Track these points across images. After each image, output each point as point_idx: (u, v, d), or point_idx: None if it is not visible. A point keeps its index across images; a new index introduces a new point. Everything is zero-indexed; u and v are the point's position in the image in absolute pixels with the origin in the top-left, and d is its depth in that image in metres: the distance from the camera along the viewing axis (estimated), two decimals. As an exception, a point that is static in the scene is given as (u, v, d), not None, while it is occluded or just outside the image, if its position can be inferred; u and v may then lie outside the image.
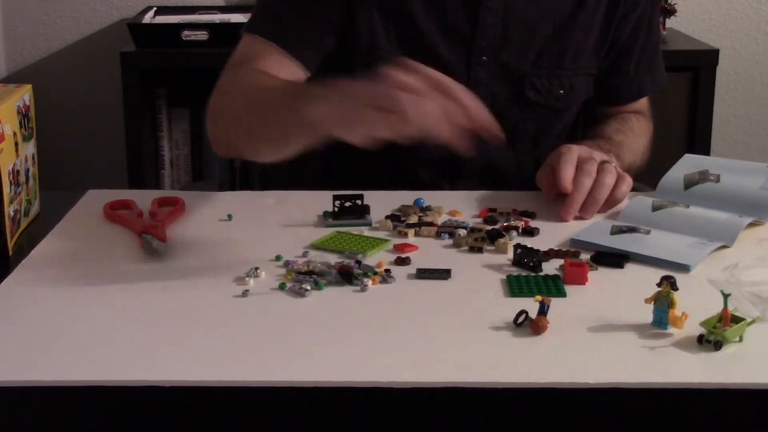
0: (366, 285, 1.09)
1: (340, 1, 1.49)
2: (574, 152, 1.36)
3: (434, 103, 1.05)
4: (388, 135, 1.06)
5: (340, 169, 1.57)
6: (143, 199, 1.35)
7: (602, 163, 1.35)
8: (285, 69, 1.46)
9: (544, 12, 1.52)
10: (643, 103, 1.67)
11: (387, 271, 1.12)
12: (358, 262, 1.14)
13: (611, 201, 1.33)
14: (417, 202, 1.36)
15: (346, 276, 1.10)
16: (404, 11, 1.50)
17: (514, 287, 1.09)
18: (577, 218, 1.31)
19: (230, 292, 1.08)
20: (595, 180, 1.33)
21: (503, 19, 1.50)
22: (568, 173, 1.33)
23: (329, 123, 1.12)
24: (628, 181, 1.35)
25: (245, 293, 1.07)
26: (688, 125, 2.61)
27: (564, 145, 1.39)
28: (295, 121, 1.18)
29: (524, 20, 1.51)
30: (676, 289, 0.99)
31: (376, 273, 1.11)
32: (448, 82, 1.08)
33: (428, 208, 1.34)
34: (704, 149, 2.60)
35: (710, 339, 0.95)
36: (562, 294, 1.08)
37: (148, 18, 2.62)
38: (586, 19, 1.54)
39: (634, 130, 1.60)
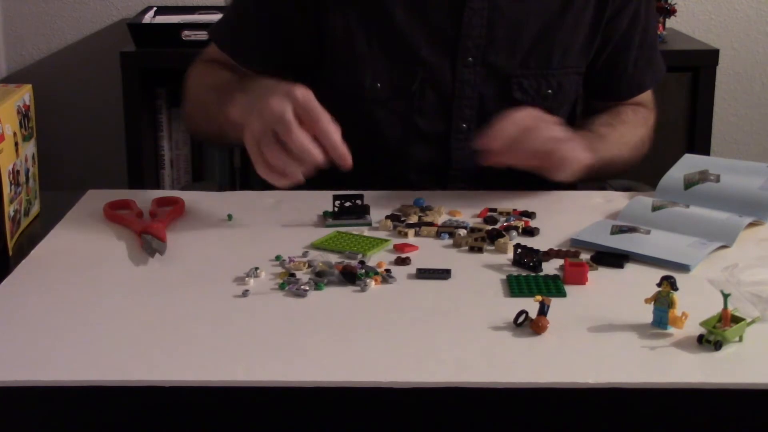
0: (368, 285, 1.09)
1: (300, 18, 1.50)
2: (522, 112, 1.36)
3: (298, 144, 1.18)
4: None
5: (332, 174, 1.57)
6: (143, 199, 1.35)
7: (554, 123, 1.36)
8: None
9: (531, 11, 1.51)
10: (643, 96, 1.65)
11: (387, 271, 1.12)
12: (362, 262, 1.14)
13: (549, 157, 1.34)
14: (417, 202, 1.36)
15: (350, 276, 1.10)
16: (385, 14, 1.49)
17: (514, 287, 1.09)
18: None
19: (230, 292, 1.08)
20: (534, 128, 1.34)
21: (488, 19, 1.49)
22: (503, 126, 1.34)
23: (237, 123, 1.27)
24: (572, 147, 1.35)
25: (245, 293, 1.07)
26: (688, 125, 2.61)
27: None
28: (223, 119, 1.33)
29: (510, 20, 1.50)
30: (676, 289, 0.99)
31: (377, 273, 1.11)
32: (320, 116, 1.20)
33: (428, 208, 1.34)
34: (704, 149, 2.60)
35: (710, 339, 0.95)
36: (562, 294, 1.08)
37: (148, 18, 2.63)
38: (574, 18, 1.53)
39: (627, 122, 1.59)
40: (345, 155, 1.20)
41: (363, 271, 1.11)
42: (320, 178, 1.48)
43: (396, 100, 1.52)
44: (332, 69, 1.52)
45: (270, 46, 1.52)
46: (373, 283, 1.10)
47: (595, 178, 1.54)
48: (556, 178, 1.38)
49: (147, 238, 1.20)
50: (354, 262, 1.14)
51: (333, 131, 1.20)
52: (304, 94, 1.20)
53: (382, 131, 1.53)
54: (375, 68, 1.51)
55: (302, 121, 1.19)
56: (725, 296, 0.97)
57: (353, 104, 1.53)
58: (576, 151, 1.37)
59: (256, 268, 1.12)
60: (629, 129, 1.59)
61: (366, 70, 1.51)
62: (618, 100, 1.63)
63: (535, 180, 1.48)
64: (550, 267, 1.15)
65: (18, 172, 1.27)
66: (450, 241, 1.23)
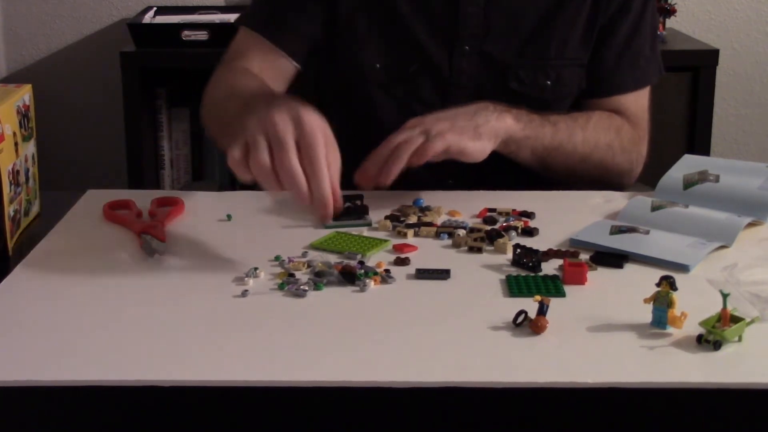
0: (367, 285, 1.09)
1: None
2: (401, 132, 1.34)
3: (287, 163, 1.09)
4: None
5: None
6: (143, 199, 1.35)
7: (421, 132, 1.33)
8: (272, 62, 1.53)
9: (528, 2, 1.51)
10: (628, 104, 1.57)
11: (387, 271, 1.13)
12: (361, 262, 1.14)
13: (417, 157, 1.32)
14: (416, 202, 1.36)
15: (349, 277, 1.10)
16: (386, 1, 1.51)
17: (514, 287, 1.09)
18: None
19: (230, 292, 1.08)
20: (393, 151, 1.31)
21: (485, 8, 1.50)
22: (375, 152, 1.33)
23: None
24: (441, 142, 1.32)
25: (245, 293, 1.07)
26: (688, 125, 2.61)
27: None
28: (239, 127, 1.20)
29: (507, 10, 1.51)
30: (675, 289, 0.99)
31: (377, 273, 1.11)
32: (316, 142, 1.10)
33: (427, 208, 1.34)
34: (704, 149, 2.60)
35: (709, 339, 0.95)
36: (561, 294, 1.08)
37: (148, 18, 2.63)
38: (573, 8, 1.52)
39: (592, 120, 1.52)
40: (329, 206, 1.10)
41: (362, 271, 1.11)
42: None
43: (394, 83, 1.53)
44: (334, 49, 1.54)
45: (306, 32, 1.54)
46: (372, 283, 1.10)
47: (545, 166, 1.49)
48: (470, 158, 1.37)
49: (146, 238, 1.20)
50: (353, 263, 1.14)
51: (324, 180, 1.09)
52: (311, 121, 1.11)
53: (381, 117, 1.53)
54: (374, 49, 1.52)
55: (299, 149, 1.10)
56: (724, 296, 0.97)
57: (353, 87, 1.54)
58: (464, 134, 1.34)
59: (256, 269, 1.12)
60: (592, 127, 1.51)
61: (365, 49, 1.52)
62: (596, 96, 1.56)
63: (535, 178, 1.48)
64: (550, 267, 1.15)
65: (18, 172, 1.27)
66: (449, 242, 1.23)
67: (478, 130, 1.37)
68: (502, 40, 1.51)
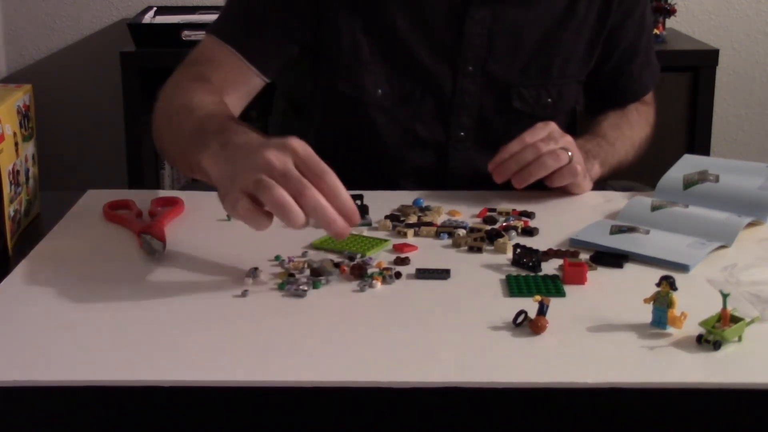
0: (373, 285, 1.09)
1: (304, 10, 1.49)
2: (537, 131, 1.37)
3: (305, 194, 1.02)
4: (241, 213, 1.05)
5: None
6: (142, 199, 1.35)
7: (562, 148, 1.36)
8: (241, 76, 1.47)
9: (532, 21, 1.51)
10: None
11: (387, 270, 1.12)
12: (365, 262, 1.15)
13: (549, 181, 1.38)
14: (416, 202, 1.36)
15: (358, 272, 1.10)
16: (386, 23, 1.49)
17: (514, 287, 1.09)
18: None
19: (230, 292, 1.08)
20: (539, 158, 1.34)
21: (489, 29, 1.49)
22: (511, 146, 1.36)
23: (210, 177, 1.12)
24: (572, 173, 1.37)
25: (245, 293, 1.07)
26: (688, 125, 2.61)
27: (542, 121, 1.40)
28: (192, 158, 1.18)
29: (511, 30, 1.51)
30: (675, 288, 0.99)
31: (381, 273, 1.11)
32: (325, 171, 1.04)
33: (427, 208, 1.34)
34: (704, 149, 2.60)
35: (709, 339, 0.95)
36: (561, 294, 1.08)
37: (148, 18, 2.63)
38: (576, 27, 1.53)
39: (633, 124, 1.62)
40: (355, 213, 1.04)
41: (375, 269, 1.11)
42: None
43: (396, 107, 1.52)
44: (333, 74, 1.52)
45: (278, 47, 1.50)
46: (378, 282, 1.09)
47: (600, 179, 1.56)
48: (576, 191, 1.42)
49: (146, 238, 1.20)
50: (365, 258, 1.15)
51: (341, 188, 1.04)
52: (303, 146, 1.04)
53: (381, 137, 1.53)
54: (376, 75, 1.50)
55: (303, 176, 1.03)
56: (724, 296, 0.97)
57: (352, 109, 1.53)
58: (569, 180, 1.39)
59: (256, 268, 1.12)
60: (635, 131, 1.62)
61: (367, 76, 1.50)
62: (623, 105, 1.65)
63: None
64: (550, 267, 1.15)
65: (18, 172, 1.27)
66: (449, 241, 1.23)
67: (587, 174, 1.44)
68: (506, 59, 1.51)
